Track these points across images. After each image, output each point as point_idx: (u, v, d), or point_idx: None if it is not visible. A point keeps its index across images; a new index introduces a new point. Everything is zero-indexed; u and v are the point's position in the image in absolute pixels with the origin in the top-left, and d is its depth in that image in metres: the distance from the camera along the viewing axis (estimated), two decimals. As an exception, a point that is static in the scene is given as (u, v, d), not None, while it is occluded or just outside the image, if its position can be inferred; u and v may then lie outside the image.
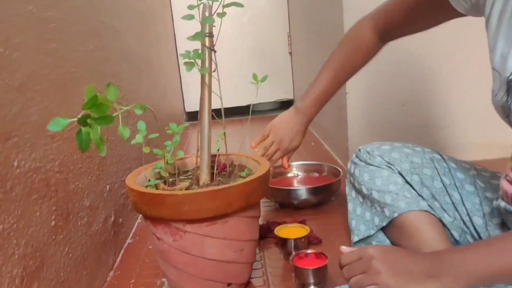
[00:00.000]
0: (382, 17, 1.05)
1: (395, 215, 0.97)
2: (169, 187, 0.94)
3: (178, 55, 3.07)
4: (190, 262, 0.90)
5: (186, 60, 0.87)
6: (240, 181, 0.89)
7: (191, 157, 1.10)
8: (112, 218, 1.19)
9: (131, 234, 1.36)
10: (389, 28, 1.04)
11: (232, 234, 0.91)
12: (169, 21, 2.92)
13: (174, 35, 3.02)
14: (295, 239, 1.10)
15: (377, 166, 1.04)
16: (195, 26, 0.92)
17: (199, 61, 0.91)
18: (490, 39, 0.76)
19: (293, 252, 1.09)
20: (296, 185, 1.52)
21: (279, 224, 1.21)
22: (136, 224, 1.43)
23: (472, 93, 1.68)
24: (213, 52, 0.93)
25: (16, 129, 0.74)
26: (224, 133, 0.97)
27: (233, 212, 0.88)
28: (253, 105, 3.23)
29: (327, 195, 1.43)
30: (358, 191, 1.09)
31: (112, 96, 0.56)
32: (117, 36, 1.48)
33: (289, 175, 1.57)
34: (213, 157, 1.00)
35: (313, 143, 2.23)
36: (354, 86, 1.60)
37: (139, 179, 0.97)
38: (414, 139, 1.61)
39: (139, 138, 0.94)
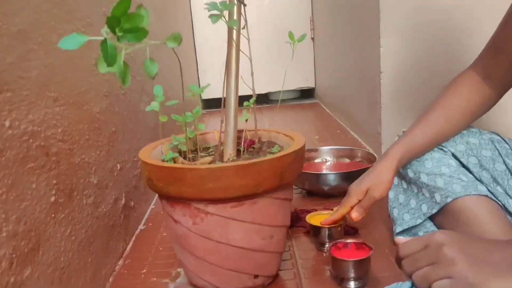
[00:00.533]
0: (482, 57, 0.90)
1: (449, 200, 0.84)
2: (189, 162, 0.81)
3: (195, 44, 2.95)
4: (212, 249, 0.78)
5: (212, 12, 0.74)
6: (273, 155, 0.76)
7: (213, 133, 0.98)
8: (123, 201, 1.07)
9: (143, 220, 1.23)
10: (489, 62, 0.87)
11: (261, 218, 0.78)
12: (186, 4, 2.78)
13: (191, 18, 2.90)
14: (329, 228, 0.96)
15: None
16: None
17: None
18: None
19: (327, 242, 0.97)
20: (325, 171, 1.38)
21: (308, 212, 1.08)
22: (149, 210, 1.31)
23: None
24: (242, 6, 0.81)
25: (11, 82, 0.62)
26: (255, 100, 0.84)
27: (264, 191, 0.75)
28: (272, 93, 3.09)
29: (361, 182, 1.28)
30: (402, 177, 0.96)
31: (144, 20, 0.42)
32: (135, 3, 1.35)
33: (317, 160, 1.43)
34: (238, 133, 0.87)
35: (338, 131, 2.08)
36: (390, 65, 1.46)
37: (155, 153, 0.84)
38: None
39: (155, 105, 0.82)
